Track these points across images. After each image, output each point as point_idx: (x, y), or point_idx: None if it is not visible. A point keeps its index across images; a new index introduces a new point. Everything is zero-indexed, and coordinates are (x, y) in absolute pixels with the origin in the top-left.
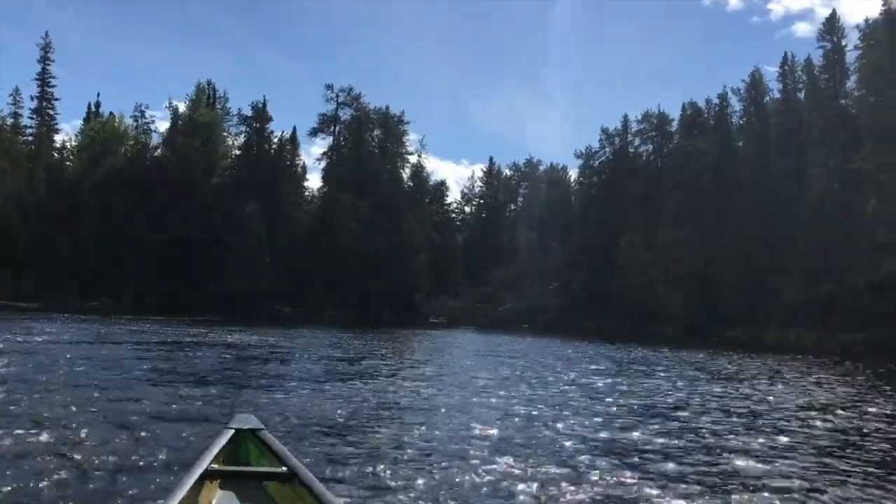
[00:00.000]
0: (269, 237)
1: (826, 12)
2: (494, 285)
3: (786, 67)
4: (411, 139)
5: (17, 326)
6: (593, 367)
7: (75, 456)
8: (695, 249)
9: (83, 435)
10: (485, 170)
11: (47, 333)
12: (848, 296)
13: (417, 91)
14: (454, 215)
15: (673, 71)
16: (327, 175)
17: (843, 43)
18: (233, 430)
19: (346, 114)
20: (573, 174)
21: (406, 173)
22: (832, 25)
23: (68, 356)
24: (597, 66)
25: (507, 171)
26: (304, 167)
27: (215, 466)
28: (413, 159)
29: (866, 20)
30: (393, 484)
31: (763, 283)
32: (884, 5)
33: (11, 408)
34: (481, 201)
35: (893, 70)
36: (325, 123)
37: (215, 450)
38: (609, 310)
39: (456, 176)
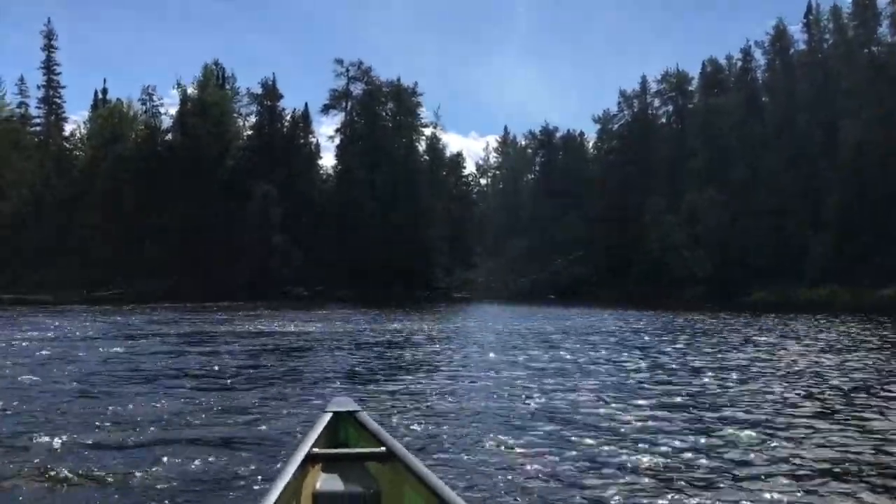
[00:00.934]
0: (285, 217)
1: None
2: (515, 256)
3: (810, 17)
4: (425, 111)
5: (50, 323)
6: (668, 346)
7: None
8: (721, 210)
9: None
10: (499, 140)
11: (86, 328)
12: (884, 249)
13: (415, 66)
14: (471, 187)
15: (686, 28)
16: (341, 152)
17: None
18: (331, 414)
19: (357, 88)
20: (591, 140)
21: (422, 146)
22: None
23: (102, 353)
24: (607, 27)
25: (522, 141)
26: (317, 145)
27: (316, 450)
28: (428, 132)
29: None
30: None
31: (794, 241)
32: None
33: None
34: (497, 172)
35: None
36: (337, 99)
37: (315, 433)
38: (633, 276)
39: (465, 150)
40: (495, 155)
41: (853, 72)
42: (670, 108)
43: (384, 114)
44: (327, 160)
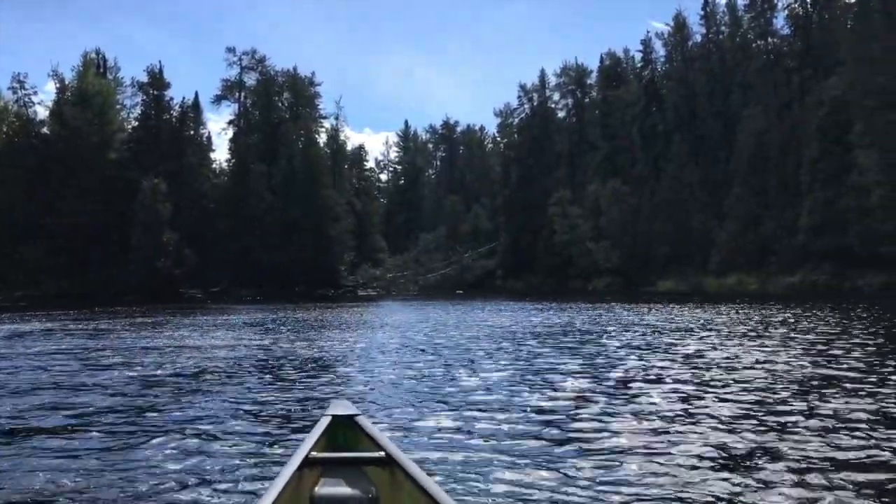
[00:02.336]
0: (176, 214)
1: None
2: (421, 252)
3: (707, 9)
4: (324, 102)
5: None
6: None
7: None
8: (625, 201)
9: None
10: (400, 134)
11: None
12: (787, 237)
13: (306, 60)
14: (373, 182)
15: (584, 22)
16: (236, 144)
17: None
18: (330, 417)
19: (251, 79)
20: (492, 133)
21: (322, 138)
22: None
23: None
24: (504, 22)
25: (423, 135)
26: (209, 137)
27: (315, 454)
28: (328, 123)
29: None
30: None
31: (699, 231)
32: None
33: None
34: (398, 167)
35: None
36: (230, 89)
37: (314, 437)
38: (539, 268)
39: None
40: (396, 150)
41: (749, 63)
42: (570, 101)
43: (281, 104)
44: (221, 153)
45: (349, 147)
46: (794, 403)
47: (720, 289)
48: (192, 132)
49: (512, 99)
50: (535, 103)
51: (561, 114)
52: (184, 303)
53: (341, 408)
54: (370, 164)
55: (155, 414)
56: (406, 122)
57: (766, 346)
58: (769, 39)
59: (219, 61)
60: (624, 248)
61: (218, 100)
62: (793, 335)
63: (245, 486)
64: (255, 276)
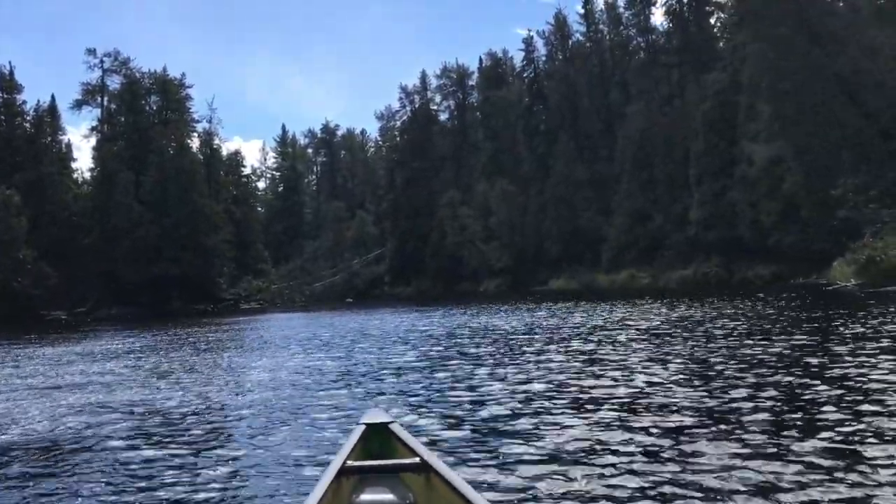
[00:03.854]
0: (33, 228)
1: None
2: (306, 260)
3: (587, 7)
4: (196, 105)
5: None
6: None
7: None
8: (513, 201)
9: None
10: (277, 140)
11: None
12: (675, 231)
13: (170, 64)
14: (252, 188)
15: (462, 25)
16: (99, 151)
17: None
18: (364, 426)
19: (114, 82)
20: (374, 137)
21: (195, 144)
22: None
23: None
24: (377, 24)
25: (302, 140)
26: (69, 144)
27: (351, 462)
28: (201, 127)
29: None
30: None
31: (589, 228)
32: None
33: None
34: (277, 174)
35: None
36: (91, 94)
37: (350, 446)
38: (430, 271)
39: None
40: (274, 156)
41: (630, 60)
42: (452, 102)
43: (148, 108)
44: (83, 162)
45: (224, 153)
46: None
47: (612, 285)
48: (49, 139)
49: (391, 101)
50: (416, 105)
51: (443, 115)
52: (45, 326)
53: (375, 415)
54: (247, 170)
55: None
56: (283, 127)
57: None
58: (649, 37)
59: (77, 64)
60: (514, 247)
61: (78, 105)
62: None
63: (284, 499)
64: (125, 294)
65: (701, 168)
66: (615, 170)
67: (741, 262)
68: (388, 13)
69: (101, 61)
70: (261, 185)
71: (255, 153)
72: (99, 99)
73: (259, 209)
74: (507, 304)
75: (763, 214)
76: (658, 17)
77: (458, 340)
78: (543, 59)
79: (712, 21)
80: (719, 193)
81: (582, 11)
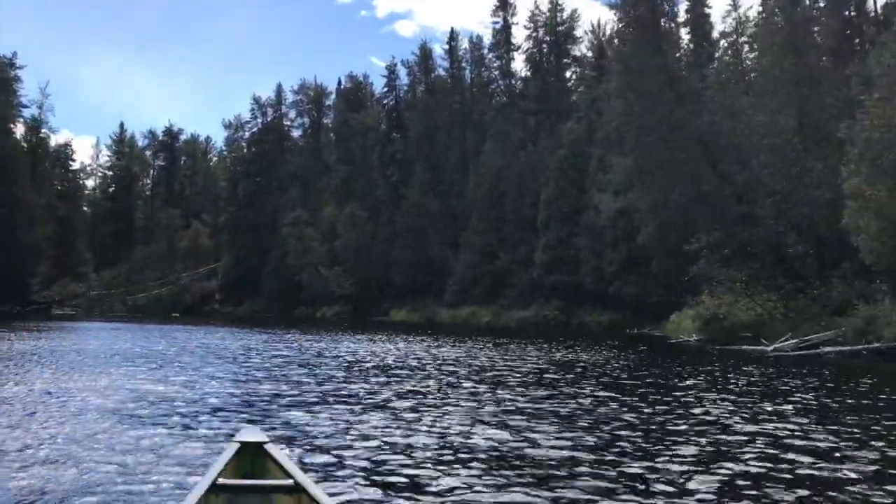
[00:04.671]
0: None
1: (424, 15)
2: (133, 268)
3: (452, 44)
4: (25, 89)
5: None
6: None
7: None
8: (362, 227)
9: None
10: (113, 137)
11: None
12: (520, 272)
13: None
14: (80, 185)
15: (298, 50)
16: None
17: (514, 21)
18: (238, 444)
19: None
20: (219, 146)
21: (20, 129)
22: (503, 2)
23: None
24: (218, 42)
25: (141, 141)
26: None
27: (223, 480)
28: (29, 113)
29: None
30: None
31: (436, 261)
32: None
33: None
34: (110, 173)
35: None
36: None
37: (222, 463)
38: (266, 292)
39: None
40: (108, 154)
41: (489, 100)
42: (307, 120)
43: None
44: None
45: (53, 143)
46: None
47: (454, 320)
48: None
49: (241, 111)
50: (269, 118)
51: (296, 132)
52: None
53: (250, 434)
54: (76, 165)
55: None
56: (122, 125)
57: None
58: (509, 80)
59: None
60: (358, 274)
61: None
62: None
63: None
64: None
65: (549, 212)
66: (466, 206)
67: (581, 308)
68: (245, 25)
69: None
70: (90, 183)
71: (86, 150)
72: None
73: (85, 209)
74: (349, 332)
75: (605, 263)
76: (519, 63)
77: (324, 371)
78: (405, 88)
79: (568, 74)
80: (565, 239)
81: (446, 47)
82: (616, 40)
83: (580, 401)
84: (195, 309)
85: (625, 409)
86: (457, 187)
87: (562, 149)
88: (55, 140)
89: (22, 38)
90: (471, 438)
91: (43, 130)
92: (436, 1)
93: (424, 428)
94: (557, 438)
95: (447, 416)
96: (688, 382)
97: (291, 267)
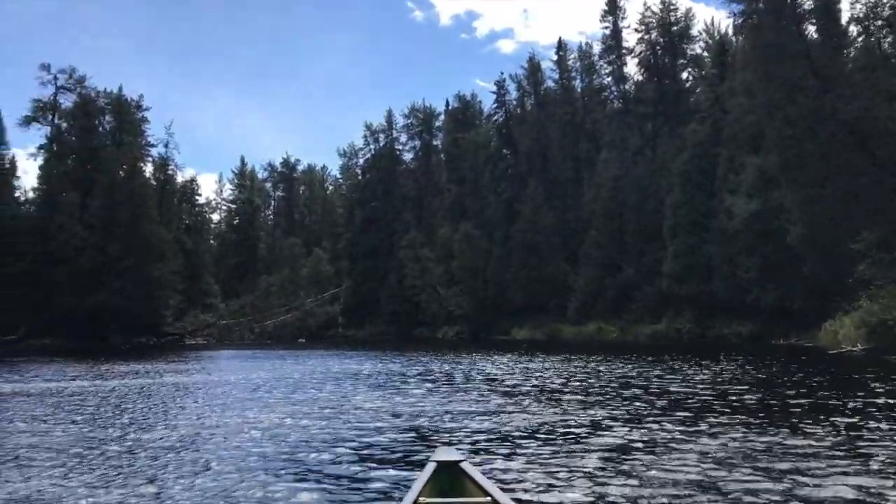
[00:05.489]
0: None
1: (524, 32)
2: (259, 296)
3: (561, 53)
4: (152, 129)
5: None
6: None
7: None
8: (477, 246)
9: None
10: (235, 171)
11: None
12: (646, 285)
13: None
14: (207, 219)
15: (395, 76)
16: (46, 171)
17: (624, 24)
18: (436, 463)
19: (67, 100)
20: (335, 174)
21: (149, 168)
22: (613, 6)
23: None
24: (323, 73)
25: (261, 173)
26: (13, 161)
27: (423, 500)
28: (156, 151)
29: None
30: None
31: (555, 277)
32: None
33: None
34: (234, 206)
35: None
36: (42, 110)
37: (421, 483)
38: (385, 315)
39: None
40: (231, 188)
41: (602, 108)
42: (417, 143)
43: (102, 128)
44: (28, 180)
45: (179, 179)
46: None
47: (578, 336)
48: None
49: (354, 139)
50: (381, 144)
51: (408, 155)
52: None
53: (446, 454)
54: (202, 200)
55: None
56: (242, 159)
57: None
58: (622, 86)
59: (28, 80)
60: (476, 294)
61: (27, 121)
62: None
63: None
64: (60, 323)
65: (676, 219)
66: (583, 218)
67: (715, 319)
68: (346, 54)
69: (55, 78)
70: (215, 217)
71: (209, 187)
72: (50, 117)
73: (212, 241)
74: (481, 351)
75: (741, 269)
76: (631, 68)
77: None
78: (514, 103)
79: (684, 75)
80: (695, 246)
81: (555, 58)
82: (740, 37)
83: (807, 431)
84: (319, 334)
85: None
86: (570, 200)
87: (685, 152)
88: (181, 176)
89: (144, 82)
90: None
91: (170, 168)
92: (535, 16)
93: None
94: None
95: (673, 455)
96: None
97: (409, 289)
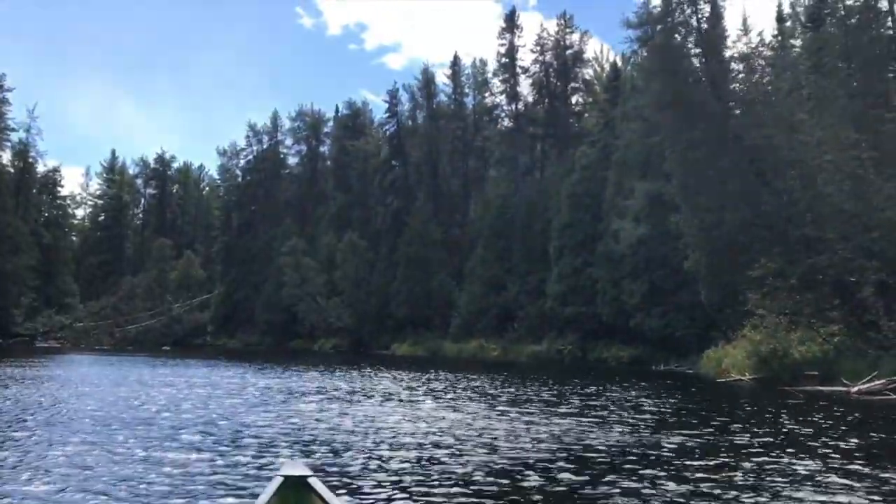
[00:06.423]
0: None
1: (412, 48)
2: (122, 298)
3: (455, 68)
4: (13, 112)
5: None
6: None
7: None
8: (362, 256)
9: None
10: (104, 164)
11: None
12: (530, 303)
13: None
14: (68, 213)
15: (279, 83)
16: None
17: (520, 42)
18: (282, 478)
19: None
20: (211, 174)
21: (7, 154)
22: (511, 24)
23: None
24: (208, 72)
25: (132, 169)
26: None
27: None
28: (16, 137)
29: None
30: None
31: (439, 292)
32: None
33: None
34: (100, 202)
35: None
36: None
37: (265, 498)
38: (261, 324)
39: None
40: (99, 182)
41: (494, 126)
42: (304, 147)
43: None
44: None
45: (41, 168)
46: None
47: (460, 354)
48: None
49: (234, 140)
50: (264, 146)
51: (293, 160)
52: None
53: (293, 468)
54: (64, 192)
55: None
56: (113, 152)
57: None
58: (514, 105)
59: None
60: (358, 305)
61: None
62: None
63: None
64: None
65: (562, 241)
66: (470, 235)
67: (598, 342)
68: (234, 55)
69: None
70: (79, 213)
71: (75, 181)
72: None
73: (73, 238)
74: (364, 368)
75: (626, 294)
76: (524, 88)
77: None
78: (406, 114)
79: (574, 99)
80: (580, 268)
81: (449, 72)
82: (629, 66)
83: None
84: (186, 342)
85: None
86: (458, 216)
87: (574, 174)
88: (43, 166)
89: (7, 69)
90: None
91: (30, 155)
92: (424, 33)
93: None
94: None
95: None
96: (845, 439)
97: (287, 298)
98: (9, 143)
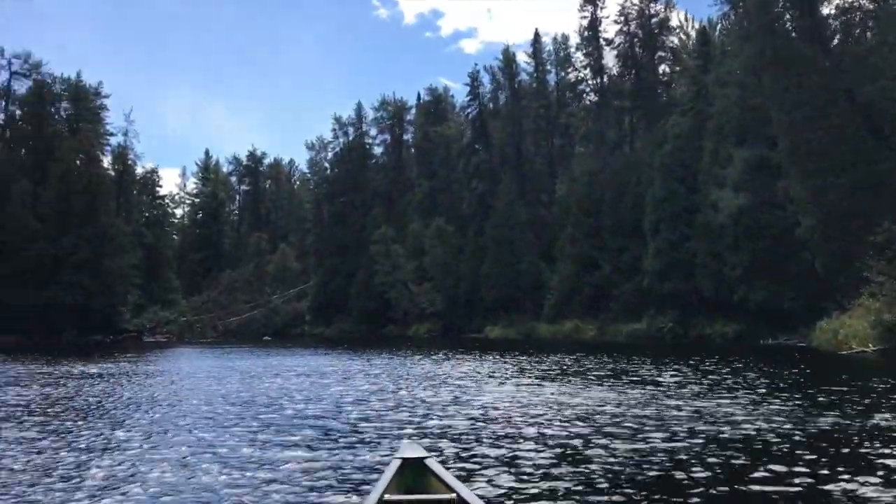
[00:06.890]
0: None
1: (488, 32)
2: (223, 292)
3: (536, 45)
4: (111, 117)
5: None
6: None
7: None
8: (449, 241)
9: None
10: (199, 164)
11: None
12: (623, 282)
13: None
14: (168, 212)
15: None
16: None
17: (603, 14)
18: (400, 460)
19: (22, 86)
20: (301, 168)
21: (107, 158)
22: None
23: None
24: (289, 68)
25: (225, 167)
26: None
27: (388, 497)
28: (115, 141)
29: None
30: None
31: (529, 274)
32: None
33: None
34: (197, 200)
35: None
36: None
37: (386, 480)
38: (355, 312)
39: None
40: (195, 181)
41: (578, 102)
42: (388, 137)
43: (58, 116)
44: None
45: (139, 170)
46: None
47: (555, 336)
48: None
49: (322, 133)
50: (350, 137)
51: (378, 149)
52: None
53: (411, 450)
54: (163, 192)
55: None
56: (207, 152)
57: None
58: (598, 79)
59: None
60: (448, 290)
61: None
62: None
63: None
64: (9, 320)
65: (657, 215)
66: (557, 214)
67: (700, 318)
68: (313, 52)
69: (10, 62)
70: (178, 212)
71: (172, 181)
72: (3, 103)
73: (174, 236)
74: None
75: (727, 267)
76: (609, 61)
77: None
78: (487, 96)
79: (662, 68)
80: (677, 243)
81: (530, 50)
82: (719, 30)
83: None
84: (285, 332)
85: None
86: (545, 196)
87: (666, 145)
88: (141, 167)
89: (103, 76)
90: None
91: (129, 158)
92: (499, 16)
93: None
94: None
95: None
96: None
97: (379, 285)
98: (108, 148)
